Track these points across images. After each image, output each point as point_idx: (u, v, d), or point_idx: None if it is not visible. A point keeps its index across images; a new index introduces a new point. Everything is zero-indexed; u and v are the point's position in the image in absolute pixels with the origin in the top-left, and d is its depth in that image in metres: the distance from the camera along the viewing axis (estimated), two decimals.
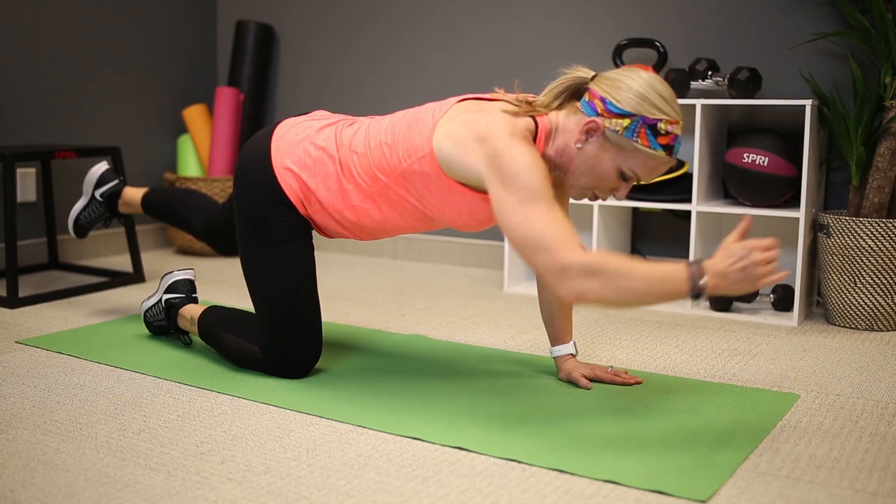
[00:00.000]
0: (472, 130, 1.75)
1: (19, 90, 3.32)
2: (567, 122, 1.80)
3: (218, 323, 2.16)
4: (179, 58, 3.93)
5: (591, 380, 2.04)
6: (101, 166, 2.60)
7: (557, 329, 2.08)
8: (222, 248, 2.35)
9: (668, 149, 1.74)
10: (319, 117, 2.09)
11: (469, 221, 1.89)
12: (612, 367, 2.08)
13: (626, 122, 1.72)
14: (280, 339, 2.01)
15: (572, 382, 2.03)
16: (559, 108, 1.82)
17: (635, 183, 1.80)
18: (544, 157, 1.83)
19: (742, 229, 1.66)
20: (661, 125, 1.72)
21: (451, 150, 1.77)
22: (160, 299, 2.35)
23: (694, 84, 2.86)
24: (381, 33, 3.68)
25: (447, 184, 1.82)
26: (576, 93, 1.81)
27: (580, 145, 1.77)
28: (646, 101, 1.71)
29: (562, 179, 1.86)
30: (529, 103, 1.80)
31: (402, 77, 3.65)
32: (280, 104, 3.97)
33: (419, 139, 1.83)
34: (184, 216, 2.43)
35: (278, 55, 3.95)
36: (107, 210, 2.61)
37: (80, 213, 2.61)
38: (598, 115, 1.74)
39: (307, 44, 3.86)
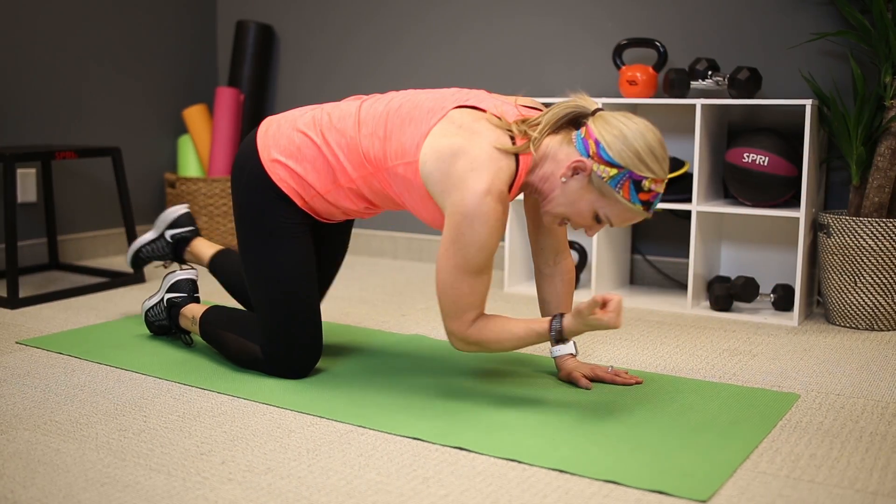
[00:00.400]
0: (454, 167, 1.77)
1: (19, 90, 3.32)
2: (558, 152, 1.81)
3: (219, 322, 2.17)
4: (180, 58, 3.94)
5: (592, 380, 2.04)
6: (181, 208, 2.56)
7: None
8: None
9: (647, 204, 1.77)
10: (303, 108, 2.09)
11: (440, 226, 1.91)
12: (612, 366, 2.08)
13: (613, 171, 1.74)
14: (280, 338, 2.01)
15: (572, 382, 2.03)
16: (555, 132, 1.83)
17: (609, 226, 1.84)
18: (526, 183, 1.86)
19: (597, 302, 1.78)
20: (646, 182, 1.75)
21: (430, 171, 1.80)
22: (162, 298, 2.35)
23: (694, 84, 2.86)
24: (381, 33, 3.68)
25: (424, 193, 1.84)
26: (574, 121, 1.83)
27: (565, 179, 1.79)
28: (637, 157, 1.73)
29: (538, 203, 1.89)
30: (524, 132, 1.80)
31: (402, 76, 3.65)
32: (280, 104, 3.97)
33: (409, 144, 1.84)
34: (245, 288, 2.36)
35: (278, 55, 3.95)
36: (171, 252, 2.58)
37: (144, 245, 2.59)
38: (588, 155, 1.76)
39: (307, 44, 3.87)
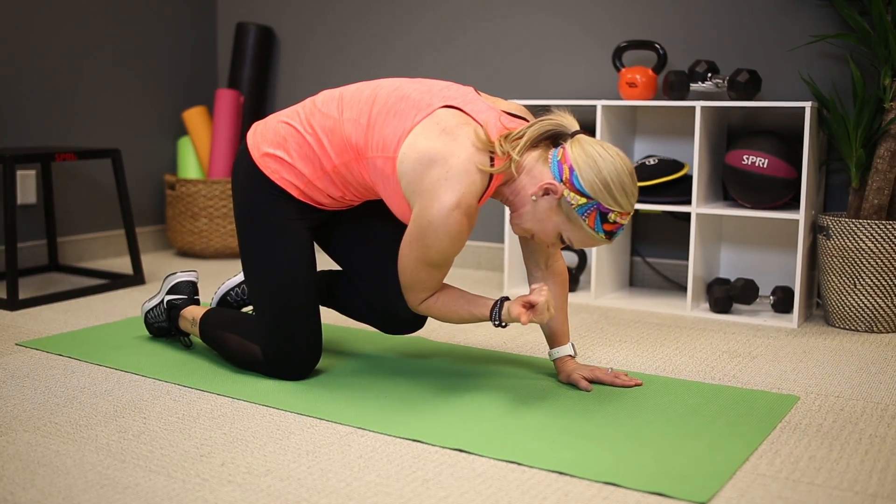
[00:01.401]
0: (429, 172, 1.78)
1: (19, 92, 3.32)
2: (533, 168, 1.84)
3: (219, 324, 2.17)
4: (180, 60, 3.94)
5: (591, 381, 2.04)
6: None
7: (554, 331, 2.08)
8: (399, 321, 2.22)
9: (610, 234, 1.82)
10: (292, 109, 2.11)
11: (407, 220, 1.92)
12: (611, 368, 2.08)
13: (582, 200, 1.78)
14: (280, 340, 2.01)
15: (572, 384, 2.03)
16: (533, 147, 1.85)
17: (569, 246, 1.90)
18: (497, 192, 1.89)
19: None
20: (612, 215, 1.79)
21: (406, 170, 1.82)
22: (162, 300, 2.35)
23: (693, 86, 2.87)
24: (380, 34, 3.68)
25: (398, 189, 1.86)
26: (552, 138, 1.86)
27: (535, 198, 1.82)
28: (607, 191, 1.77)
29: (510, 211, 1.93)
30: (506, 152, 1.81)
31: (401, 77, 3.64)
32: (280, 106, 3.97)
33: (391, 138, 1.85)
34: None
35: (278, 57, 3.95)
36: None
37: (226, 294, 2.44)
38: (561, 180, 1.79)
39: (307, 45, 3.87)
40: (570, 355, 2.07)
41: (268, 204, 1.99)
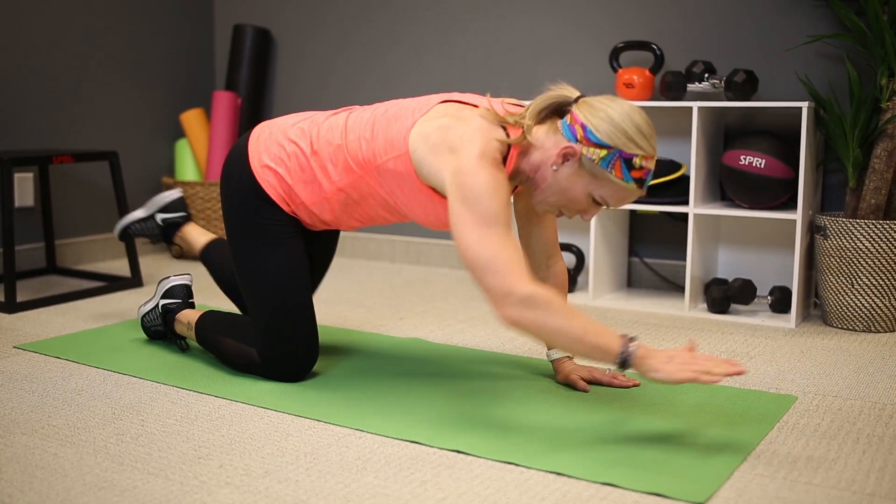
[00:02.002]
0: (445, 138, 1.76)
1: (16, 95, 3.32)
2: (545, 140, 1.81)
3: (215, 327, 2.17)
4: (177, 62, 3.94)
5: (589, 382, 2.04)
6: (174, 194, 2.56)
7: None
8: None
9: (640, 182, 1.77)
10: (295, 116, 2.10)
11: (435, 222, 1.90)
12: (609, 369, 2.08)
13: (603, 152, 1.74)
14: (276, 342, 2.01)
15: (570, 385, 2.03)
16: (540, 122, 1.83)
17: (605, 207, 1.83)
18: (517, 171, 1.85)
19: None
20: (637, 160, 1.74)
21: (423, 154, 1.79)
22: (157, 304, 2.35)
23: (690, 86, 2.87)
24: (378, 36, 3.68)
25: (418, 186, 1.83)
26: (558, 110, 1.83)
27: (556, 167, 1.79)
28: (625, 136, 1.73)
29: (531, 192, 1.88)
30: (511, 121, 1.80)
31: (399, 79, 3.65)
32: (277, 108, 3.97)
33: (397, 137, 1.84)
34: (233, 281, 2.36)
35: (275, 59, 3.95)
36: (161, 234, 2.59)
37: (133, 223, 2.59)
38: (577, 140, 1.76)
39: (304, 47, 3.87)
40: (569, 356, 2.07)
41: (260, 211, 2.00)
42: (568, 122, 1.78)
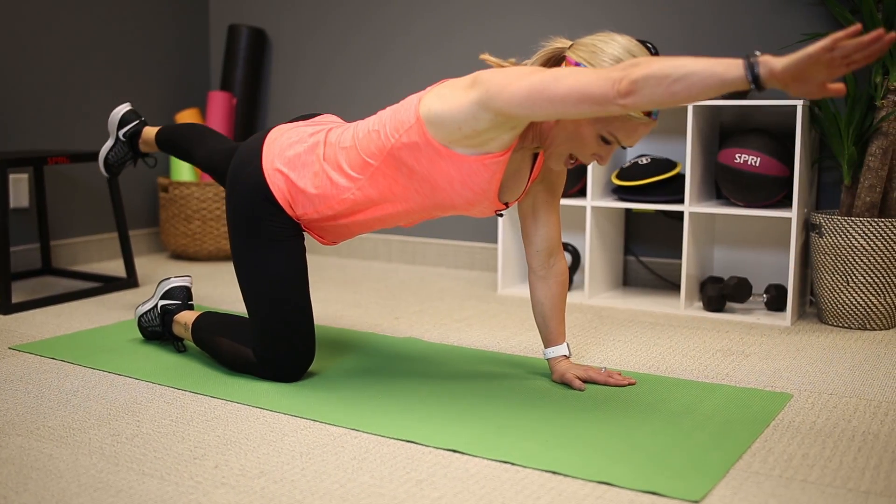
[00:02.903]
0: (461, 82, 1.77)
1: (11, 95, 3.31)
2: None
3: (211, 328, 2.16)
4: (172, 62, 3.93)
5: (585, 381, 2.04)
6: (124, 107, 2.69)
7: (551, 331, 2.08)
8: (223, 178, 2.34)
9: (647, 111, 1.72)
10: (312, 122, 2.10)
11: (463, 192, 1.83)
12: (605, 368, 2.08)
13: None
14: (273, 341, 2.01)
15: (566, 384, 2.04)
16: None
17: (620, 146, 1.78)
18: (525, 133, 1.83)
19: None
20: None
21: (439, 108, 1.76)
22: (156, 305, 2.35)
23: None
24: (374, 37, 3.68)
25: (436, 150, 1.78)
26: (553, 62, 1.81)
27: None
28: (617, 62, 1.70)
29: (538, 145, 1.85)
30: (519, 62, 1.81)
31: (395, 80, 3.65)
32: (273, 108, 3.97)
33: (405, 115, 1.83)
34: (189, 148, 2.46)
35: (271, 59, 3.95)
36: (130, 150, 2.72)
37: (108, 152, 2.73)
38: None
39: (300, 48, 3.86)
40: (565, 355, 2.07)
41: (264, 210, 1.99)
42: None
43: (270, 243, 1.99)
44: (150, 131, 2.66)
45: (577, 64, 1.73)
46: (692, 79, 1.49)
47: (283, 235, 2.00)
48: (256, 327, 2.03)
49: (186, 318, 2.27)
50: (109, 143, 2.73)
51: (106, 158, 2.75)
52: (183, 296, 2.35)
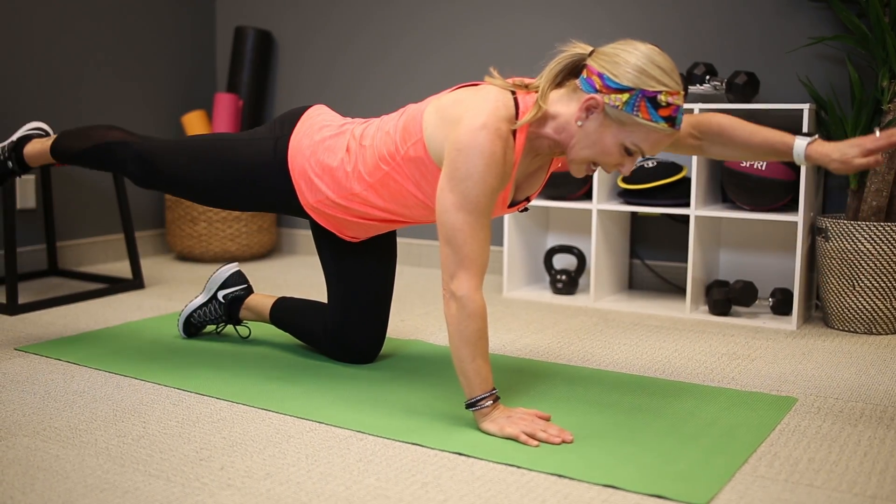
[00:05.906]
0: (454, 110, 1.77)
1: (18, 96, 3.32)
2: (567, 100, 1.77)
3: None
4: (179, 63, 3.94)
5: (871, 151, 1.76)
6: (232, 267, 2.45)
7: (769, 140, 1.87)
8: (352, 353, 2.23)
9: (671, 120, 1.71)
10: (342, 118, 2.11)
11: None
12: (876, 129, 1.82)
13: (625, 96, 1.69)
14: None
15: (846, 164, 1.78)
16: (558, 86, 1.80)
17: (641, 157, 1.78)
18: (538, 140, 1.82)
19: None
20: (661, 97, 1.68)
21: (432, 130, 1.80)
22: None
23: (692, 88, 2.87)
24: (379, 38, 3.68)
25: (435, 171, 1.83)
26: (574, 70, 1.79)
27: (580, 123, 1.74)
28: (644, 74, 1.68)
29: (558, 152, 1.85)
30: (525, 86, 1.79)
31: (400, 81, 3.65)
32: (279, 110, 3.98)
33: (413, 123, 1.84)
34: (311, 329, 2.29)
35: (277, 61, 3.96)
36: (225, 314, 2.44)
37: (195, 310, 2.44)
38: (597, 91, 1.71)
39: (306, 49, 3.87)
40: (814, 138, 1.82)
41: (269, 178, 2.05)
42: (585, 77, 1.74)
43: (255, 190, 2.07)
44: (258, 298, 2.42)
45: (599, 73, 1.71)
46: (455, 358, 1.77)
47: (276, 203, 2.08)
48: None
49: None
50: (200, 301, 2.44)
51: (190, 317, 2.44)
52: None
